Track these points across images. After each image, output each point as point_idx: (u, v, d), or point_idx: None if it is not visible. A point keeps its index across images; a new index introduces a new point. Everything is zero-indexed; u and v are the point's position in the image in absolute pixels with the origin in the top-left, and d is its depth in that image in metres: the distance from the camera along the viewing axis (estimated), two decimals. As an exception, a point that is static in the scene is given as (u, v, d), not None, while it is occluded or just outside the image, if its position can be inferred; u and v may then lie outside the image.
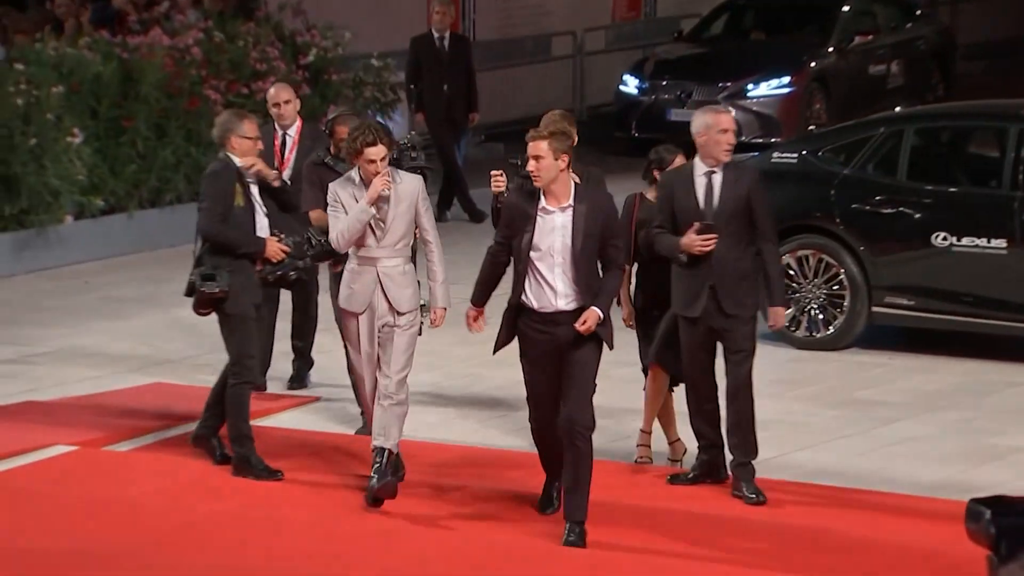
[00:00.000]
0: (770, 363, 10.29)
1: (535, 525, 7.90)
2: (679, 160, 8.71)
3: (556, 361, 7.69)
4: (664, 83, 18.85)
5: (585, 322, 7.58)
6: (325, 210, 8.87)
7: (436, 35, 15.63)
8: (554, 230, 7.65)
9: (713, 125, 8.29)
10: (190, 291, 8.60)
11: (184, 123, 14.81)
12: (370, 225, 8.07)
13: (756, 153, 14.05)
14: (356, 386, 8.69)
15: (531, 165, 7.66)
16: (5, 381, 10.68)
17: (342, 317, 8.42)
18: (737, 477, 8.28)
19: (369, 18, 17.15)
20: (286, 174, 9.91)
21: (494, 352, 7.89)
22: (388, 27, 17.17)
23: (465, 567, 7.50)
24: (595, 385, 7.72)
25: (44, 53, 14.14)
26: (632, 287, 8.83)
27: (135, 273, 13.45)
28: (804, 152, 11.79)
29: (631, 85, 19.17)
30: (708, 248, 8.14)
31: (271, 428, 9.44)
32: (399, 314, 8.15)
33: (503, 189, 8.56)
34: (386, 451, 8.06)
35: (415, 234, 8.30)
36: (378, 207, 8.06)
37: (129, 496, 8.33)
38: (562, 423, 7.63)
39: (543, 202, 7.68)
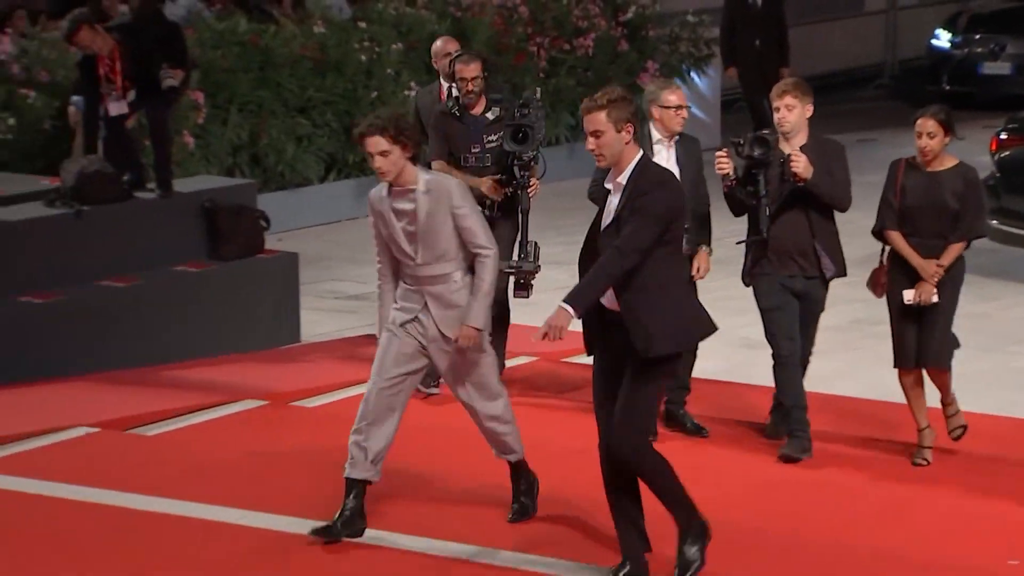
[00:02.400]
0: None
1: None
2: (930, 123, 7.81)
3: (613, 372, 6.25)
4: (977, 37, 18.48)
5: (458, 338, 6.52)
6: (449, 162, 8.75)
7: (750, -8, 15.62)
8: (609, 213, 6.21)
9: None
10: None
11: (510, 78, 15.09)
12: (397, 242, 6.66)
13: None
14: None
15: (590, 143, 6.14)
16: (347, 316, 11.16)
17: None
18: None
19: (686, -24, 17.16)
20: None
21: (588, 354, 6.44)
22: (704, -15, 17.15)
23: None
24: (648, 407, 6.26)
25: (385, 12, 14.57)
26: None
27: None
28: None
29: (943, 39, 18.82)
30: None
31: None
32: (450, 340, 6.71)
33: (727, 171, 7.87)
34: (511, 465, 7.03)
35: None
36: (402, 220, 6.67)
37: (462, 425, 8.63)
38: (603, 451, 6.30)
39: (608, 178, 6.27)
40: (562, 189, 14.23)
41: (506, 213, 8.75)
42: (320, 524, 6.74)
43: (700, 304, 6.41)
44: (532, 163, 8.61)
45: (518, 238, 8.67)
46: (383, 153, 6.53)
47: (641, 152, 6.17)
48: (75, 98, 11.45)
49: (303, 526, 6.80)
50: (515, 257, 8.56)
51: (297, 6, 14.90)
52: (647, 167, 6.16)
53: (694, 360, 8.36)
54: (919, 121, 7.79)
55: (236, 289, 10.35)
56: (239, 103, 13.16)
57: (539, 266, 8.55)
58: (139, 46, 10.09)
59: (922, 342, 7.86)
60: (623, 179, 6.13)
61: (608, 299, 6.16)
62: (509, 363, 9.41)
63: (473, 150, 8.78)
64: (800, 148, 7.86)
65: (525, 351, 9.81)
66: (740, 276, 8.06)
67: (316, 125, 13.66)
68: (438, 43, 9.71)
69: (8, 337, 9.34)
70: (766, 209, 7.85)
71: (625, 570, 6.33)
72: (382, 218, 6.68)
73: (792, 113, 7.85)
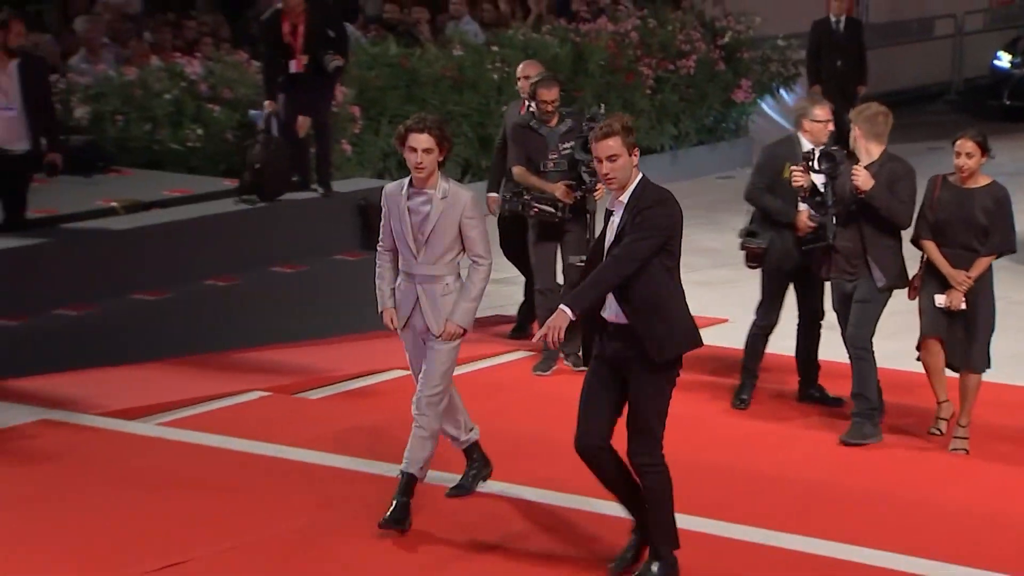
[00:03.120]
0: None
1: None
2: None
3: (609, 379, 5.75)
4: (1035, 58, 18.24)
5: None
6: (528, 168, 8.80)
7: (833, 19, 15.49)
8: (612, 231, 5.74)
9: None
10: (742, 246, 8.28)
11: (621, 94, 15.12)
12: (405, 240, 6.26)
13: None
14: None
15: (605, 167, 5.63)
16: (480, 299, 11.20)
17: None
18: None
19: (776, 5, 17.08)
20: None
21: (585, 364, 5.98)
22: (792, 13, 17.05)
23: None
24: (661, 414, 5.74)
25: (514, 37, 14.64)
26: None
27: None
28: None
29: (1005, 60, 18.61)
30: None
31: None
32: (435, 336, 6.31)
33: (802, 183, 7.73)
34: (406, 475, 6.38)
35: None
36: (414, 222, 6.25)
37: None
38: (628, 459, 5.82)
39: (610, 201, 5.81)
40: (666, 191, 14.24)
41: (576, 215, 8.82)
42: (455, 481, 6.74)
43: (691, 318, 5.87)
44: None
45: (587, 236, 8.73)
46: (427, 150, 6.14)
47: (641, 174, 5.73)
48: (253, 112, 11.68)
49: (441, 478, 6.89)
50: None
51: (438, 32, 15.03)
52: (647, 187, 5.70)
53: (818, 339, 8.35)
54: (959, 142, 7.47)
55: (386, 275, 10.45)
56: (389, 116, 13.29)
57: None
58: (319, 20, 10.32)
59: (964, 349, 7.61)
60: (625, 198, 5.67)
61: (610, 313, 5.72)
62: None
63: (551, 156, 8.87)
64: (870, 164, 7.65)
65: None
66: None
67: (454, 135, 13.55)
68: (520, 66, 9.78)
69: (195, 315, 9.56)
70: (832, 218, 7.72)
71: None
72: (395, 213, 6.26)
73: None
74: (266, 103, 10.57)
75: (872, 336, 7.78)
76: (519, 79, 9.64)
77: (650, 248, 5.61)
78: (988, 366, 7.73)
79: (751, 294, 9.81)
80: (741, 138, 16.32)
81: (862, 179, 7.58)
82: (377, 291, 6.44)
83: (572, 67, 14.77)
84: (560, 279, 9.09)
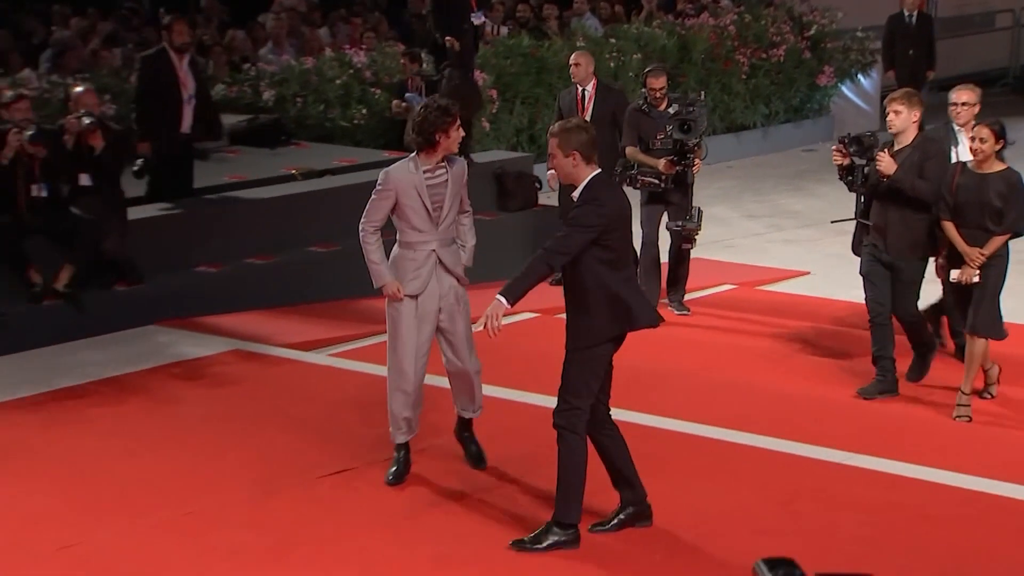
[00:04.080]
0: None
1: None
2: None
3: None
4: (1085, 46, 17.49)
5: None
6: (639, 147, 8.68)
7: (906, 14, 15.04)
8: None
9: None
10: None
11: (720, 79, 14.89)
12: (428, 211, 5.83)
13: None
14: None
15: (549, 163, 5.34)
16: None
17: (396, 305, 5.96)
18: None
19: (856, 1, 16.67)
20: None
21: None
22: (870, 8, 16.61)
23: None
24: (576, 388, 5.17)
25: (628, 31, 14.50)
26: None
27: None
28: None
29: (1057, 48, 17.90)
30: None
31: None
32: (463, 287, 6.02)
33: (840, 163, 7.18)
34: (469, 421, 6.23)
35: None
36: (432, 195, 5.85)
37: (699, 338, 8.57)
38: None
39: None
40: (757, 162, 13.98)
41: (678, 185, 8.71)
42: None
43: (642, 302, 5.28)
44: (696, 147, 8.49)
45: (687, 204, 8.63)
46: (459, 128, 5.87)
47: (595, 172, 5.17)
48: (409, 95, 11.70)
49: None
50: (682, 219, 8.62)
51: (564, 27, 14.91)
52: (592, 186, 5.15)
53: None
54: (975, 128, 6.92)
55: (517, 232, 10.44)
56: (521, 98, 13.24)
57: (700, 225, 8.51)
58: None
59: (971, 313, 7.07)
60: (576, 194, 5.21)
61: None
62: (711, 290, 9.37)
63: (659, 136, 8.78)
64: (904, 147, 7.12)
65: (725, 280, 9.73)
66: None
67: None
68: (572, 56, 9.61)
69: (360, 265, 9.56)
70: (862, 197, 7.32)
71: (627, 511, 5.44)
72: (411, 191, 5.79)
73: (899, 117, 7.06)
74: (448, 40, 10.35)
75: (917, 303, 7.39)
76: (570, 66, 9.53)
77: (578, 243, 5.09)
78: (1000, 335, 7.10)
79: (830, 250, 9.58)
80: (823, 116, 16.06)
81: (885, 165, 7.11)
82: (371, 267, 5.93)
83: (678, 56, 14.56)
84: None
